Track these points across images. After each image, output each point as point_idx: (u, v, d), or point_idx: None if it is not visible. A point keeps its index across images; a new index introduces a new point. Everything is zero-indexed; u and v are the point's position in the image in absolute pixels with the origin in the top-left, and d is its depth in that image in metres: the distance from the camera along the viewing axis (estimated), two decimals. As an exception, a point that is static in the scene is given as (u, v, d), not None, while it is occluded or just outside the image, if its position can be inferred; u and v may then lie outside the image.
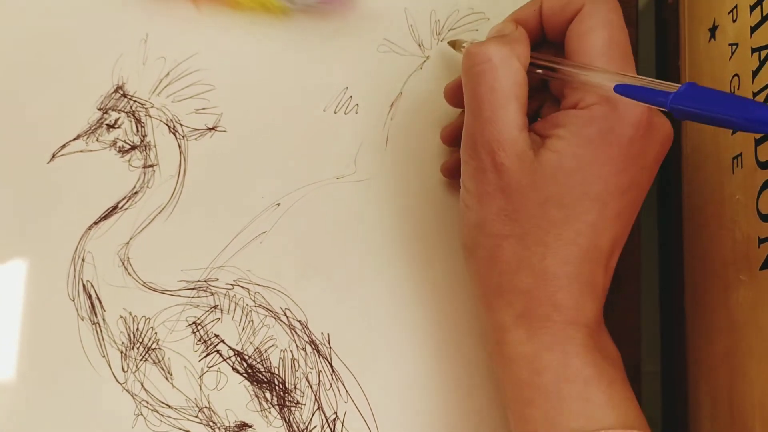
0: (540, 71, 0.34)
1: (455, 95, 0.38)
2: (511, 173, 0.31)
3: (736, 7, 0.36)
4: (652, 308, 0.43)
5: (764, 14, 0.33)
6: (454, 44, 0.41)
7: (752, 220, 0.33)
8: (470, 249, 0.34)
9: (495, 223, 0.32)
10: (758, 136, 0.33)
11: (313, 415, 0.37)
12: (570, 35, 0.33)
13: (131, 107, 0.40)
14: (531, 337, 0.31)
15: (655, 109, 0.31)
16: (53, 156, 0.39)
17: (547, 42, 0.36)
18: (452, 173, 0.39)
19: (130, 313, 0.38)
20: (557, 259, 0.31)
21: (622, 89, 0.29)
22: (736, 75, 0.36)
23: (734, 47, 0.36)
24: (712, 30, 0.39)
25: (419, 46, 0.41)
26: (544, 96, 0.36)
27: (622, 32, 0.33)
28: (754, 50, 0.34)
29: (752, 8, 0.35)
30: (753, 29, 0.34)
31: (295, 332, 0.38)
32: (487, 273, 0.33)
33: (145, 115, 0.40)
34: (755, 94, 0.34)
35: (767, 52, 0.33)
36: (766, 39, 0.33)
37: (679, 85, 0.27)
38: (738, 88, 0.35)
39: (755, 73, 0.34)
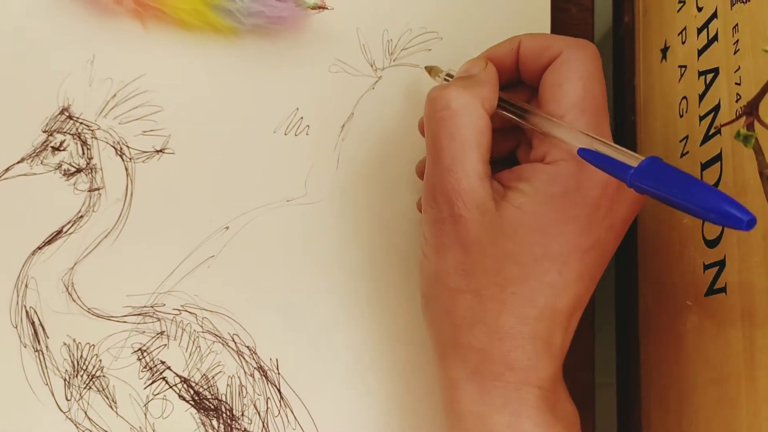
0: (509, 115, 0.33)
1: None
2: (469, 225, 0.30)
3: (685, 28, 0.36)
4: (608, 333, 0.42)
5: (710, 37, 0.33)
6: (430, 71, 0.40)
7: (698, 245, 0.33)
8: (427, 299, 0.33)
9: (452, 276, 0.31)
10: (704, 160, 0.33)
11: (260, 442, 0.37)
12: (544, 82, 0.32)
13: (77, 129, 0.39)
14: (482, 396, 0.31)
15: None
16: (-4, 180, 0.38)
17: (523, 82, 0.35)
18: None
19: (74, 340, 0.37)
20: (513, 317, 0.30)
21: (585, 154, 0.28)
22: (685, 98, 0.35)
23: (683, 69, 0.36)
24: (664, 51, 0.38)
25: (371, 66, 0.41)
26: (520, 136, 0.35)
27: (599, 84, 0.32)
28: (700, 73, 0.34)
29: (699, 31, 0.34)
30: (700, 52, 0.34)
31: (244, 358, 0.37)
32: (442, 326, 0.32)
33: (92, 138, 0.39)
34: (701, 118, 0.33)
35: (712, 76, 0.33)
36: (712, 63, 0.33)
37: (642, 158, 0.26)
38: (686, 111, 0.35)
39: (701, 97, 0.34)
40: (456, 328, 0.31)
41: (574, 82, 0.31)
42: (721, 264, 0.31)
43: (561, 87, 0.31)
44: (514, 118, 0.33)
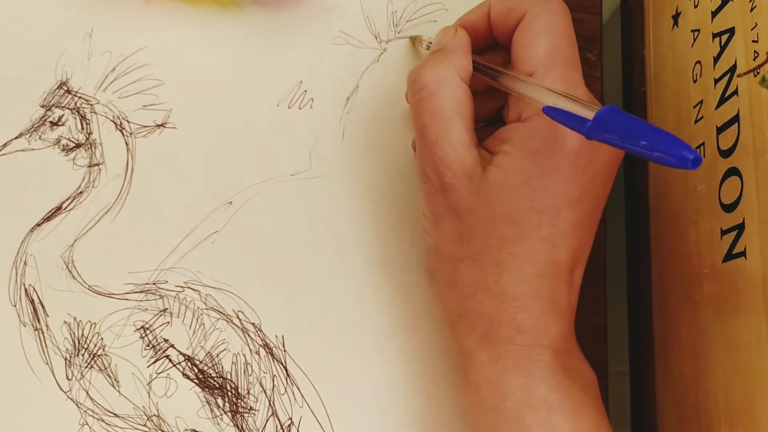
0: (486, 78, 0.33)
1: None
2: (460, 192, 0.31)
3: (697, -8, 0.35)
4: (620, 306, 0.41)
5: (724, -2, 0.32)
6: (414, 40, 0.39)
7: (715, 211, 0.32)
8: (431, 273, 0.33)
9: (450, 245, 0.31)
10: (720, 123, 0.32)
11: (267, 421, 0.36)
12: (514, 42, 0.33)
13: (76, 104, 0.38)
14: (495, 361, 0.30)
15: None
16: (-6, 155, 0.37)
17: (500, 45, 0.35)
18: None
19: (75, 319, 0.36)
20: (513, 278, 0.30)
21: (549, 111, 0.28)
22: (698, 62, 0.35)
23: (696, 33, 0.35)
24: (675, 17, 0.37)
25: (376, 38, 0.40)
26: (506, 95, 0.35)
27: (566, 38, 0.32)
28: (714, 35, 0.33)
29: (713, -8, 0.33)
30: (714, 14, 0.33)
31: (249, 335, 0.37)
32: (448, 297, 0.32)
33: (91, 112, 0.38)
34: (716, 81, 0.33)
35: (727, 37, 0.32)
36: (726, 23, 0.32)
37: (598, 109, 0.26)
38: (700, 76, 0.34)
39: (716, 59, 0.33)
40: (461, 297, 0.31)
41: (541, 38, 0.32)
42: (740, 227, 0.30)
43: (529, 44, 0.32)
44: (489, 80, 0.33)
